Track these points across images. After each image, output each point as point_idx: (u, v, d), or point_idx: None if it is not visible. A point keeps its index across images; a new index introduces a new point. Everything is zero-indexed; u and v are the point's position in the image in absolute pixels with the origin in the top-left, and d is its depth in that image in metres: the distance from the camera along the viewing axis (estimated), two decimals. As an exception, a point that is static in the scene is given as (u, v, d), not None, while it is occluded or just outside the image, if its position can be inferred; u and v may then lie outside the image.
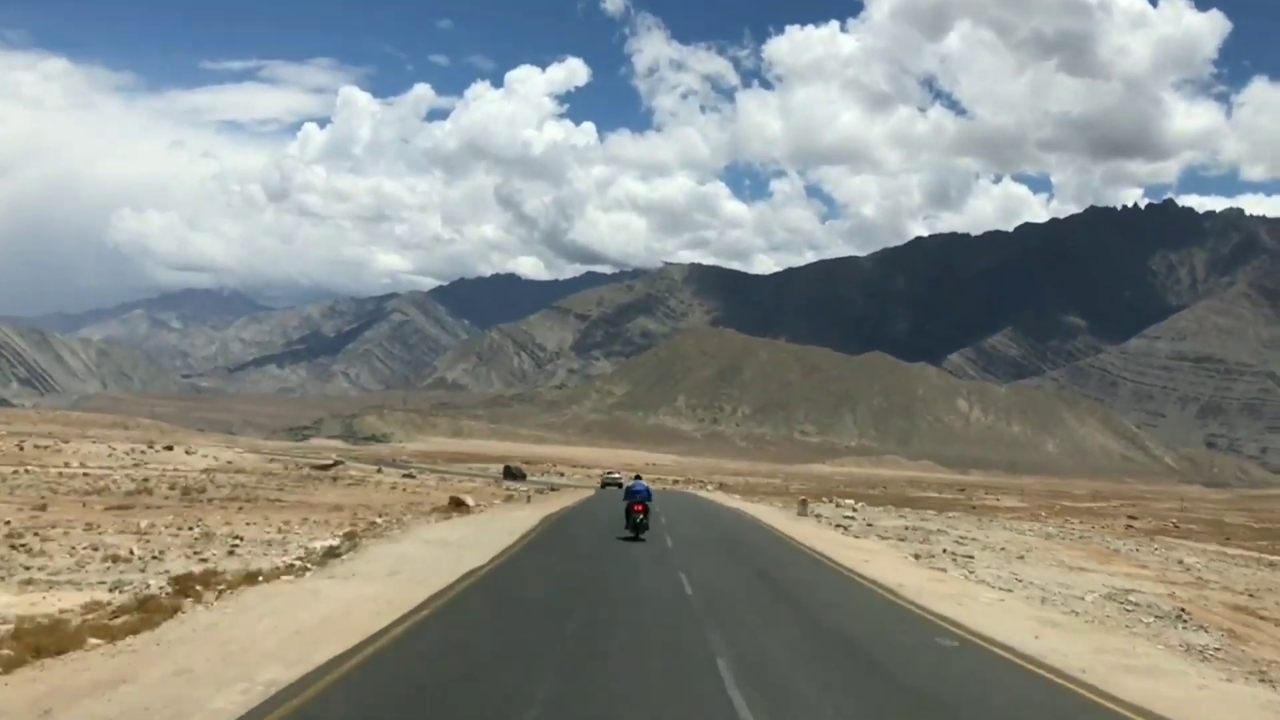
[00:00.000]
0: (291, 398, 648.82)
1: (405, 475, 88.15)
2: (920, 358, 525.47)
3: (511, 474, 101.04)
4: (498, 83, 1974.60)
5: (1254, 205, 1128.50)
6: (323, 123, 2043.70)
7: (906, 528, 43.40)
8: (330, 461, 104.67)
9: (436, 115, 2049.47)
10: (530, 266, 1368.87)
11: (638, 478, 32.11)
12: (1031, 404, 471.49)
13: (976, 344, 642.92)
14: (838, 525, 42.56)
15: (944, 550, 32.28)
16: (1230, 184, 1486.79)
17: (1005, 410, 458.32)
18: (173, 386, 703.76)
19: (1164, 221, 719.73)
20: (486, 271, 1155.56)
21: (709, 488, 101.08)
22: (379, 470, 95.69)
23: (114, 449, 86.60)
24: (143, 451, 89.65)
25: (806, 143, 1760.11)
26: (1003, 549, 35.33)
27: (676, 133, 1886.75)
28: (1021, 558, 32.42)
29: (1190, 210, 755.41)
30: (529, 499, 52.89)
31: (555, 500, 51.71)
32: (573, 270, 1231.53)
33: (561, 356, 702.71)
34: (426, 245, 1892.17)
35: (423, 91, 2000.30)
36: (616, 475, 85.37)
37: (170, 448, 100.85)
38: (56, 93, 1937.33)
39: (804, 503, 55.25)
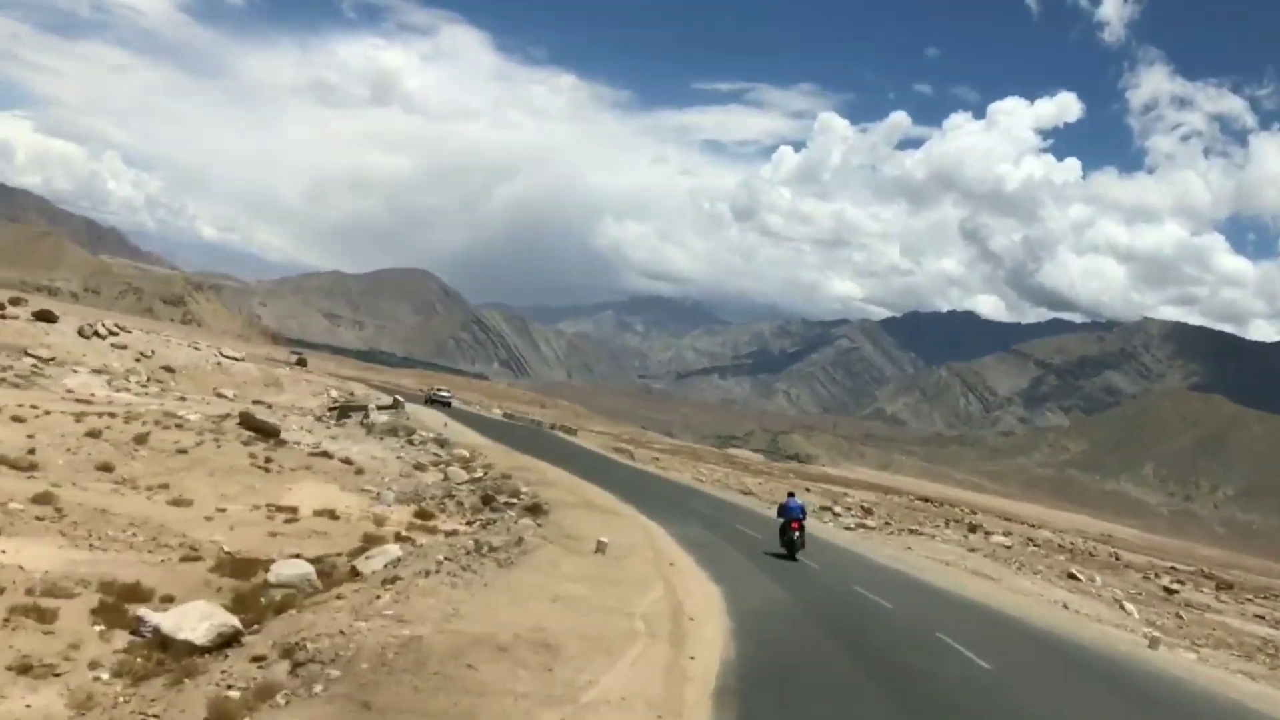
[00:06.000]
0: (732, 408, 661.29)
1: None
2: None
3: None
4: (979, 114, 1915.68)
5: None
6: (798, 146, 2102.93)
7: None
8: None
9: (909, 144, 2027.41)
10: (990, 306, 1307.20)
11: (791, 495, 30.36)
12: None
13: None
14: None
15: None
16: None
17: None
18: (627, 384, 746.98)
19: None
20: (942, 306, 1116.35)
21: None
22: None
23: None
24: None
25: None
26: None
27: (1171, 176, 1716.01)
28: None
29: None
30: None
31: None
32: (1036, 314, 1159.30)
33: (1012, 403, 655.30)
34: (882, 274, 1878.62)
35: (899, 119, 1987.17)
36: (444, 391, 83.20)
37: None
38: (562, 105, 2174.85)
39: None
